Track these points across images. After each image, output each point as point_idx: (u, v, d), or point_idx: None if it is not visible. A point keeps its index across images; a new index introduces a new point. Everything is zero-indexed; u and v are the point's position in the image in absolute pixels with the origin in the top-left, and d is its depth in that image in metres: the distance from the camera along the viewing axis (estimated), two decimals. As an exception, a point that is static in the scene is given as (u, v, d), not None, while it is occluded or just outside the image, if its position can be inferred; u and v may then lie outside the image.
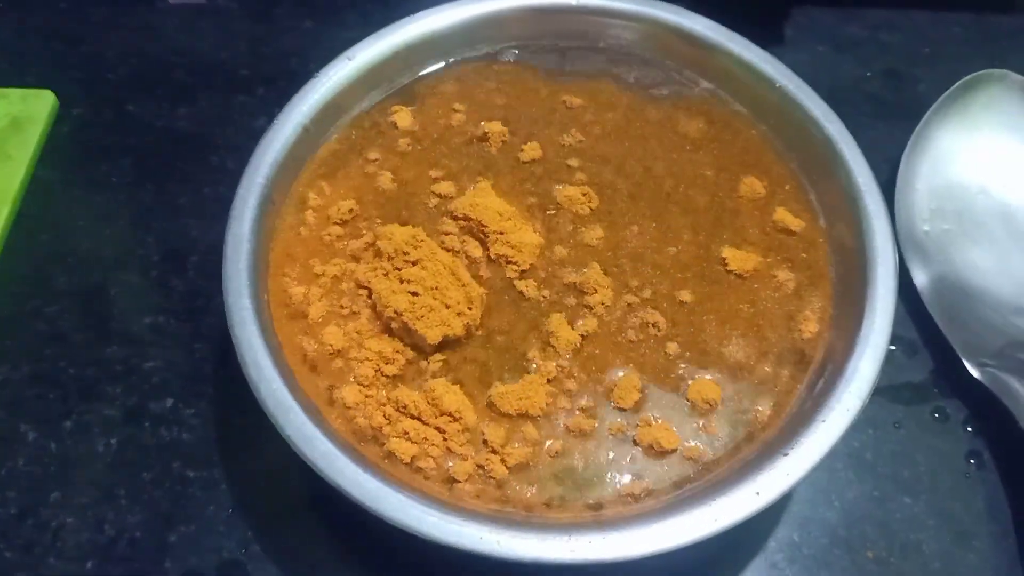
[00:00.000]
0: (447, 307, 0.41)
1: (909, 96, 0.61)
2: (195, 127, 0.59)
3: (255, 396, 0.38)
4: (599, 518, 0.38)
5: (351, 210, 0.45)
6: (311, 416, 0.38)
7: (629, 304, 0.43)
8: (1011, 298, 0.51)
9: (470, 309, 0.42)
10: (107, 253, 0.54)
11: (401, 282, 0.42)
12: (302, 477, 0.46)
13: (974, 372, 0.48)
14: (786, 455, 0.37)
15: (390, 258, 0.43)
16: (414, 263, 0.42)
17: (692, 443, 0.40)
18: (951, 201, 0.54)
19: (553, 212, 0.46)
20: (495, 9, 0.51)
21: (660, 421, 0.40)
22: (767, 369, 0.41)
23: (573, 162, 0.48)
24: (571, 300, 0.43)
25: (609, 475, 0.39)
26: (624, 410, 0.40)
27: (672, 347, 0.42)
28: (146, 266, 0.53)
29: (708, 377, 0.41)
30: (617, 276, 0.44)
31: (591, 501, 0.38)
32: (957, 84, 0.56)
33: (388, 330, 0.42)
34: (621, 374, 0.41)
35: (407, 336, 0.41)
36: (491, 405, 0.40)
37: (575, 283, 0.44)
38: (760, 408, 0.40)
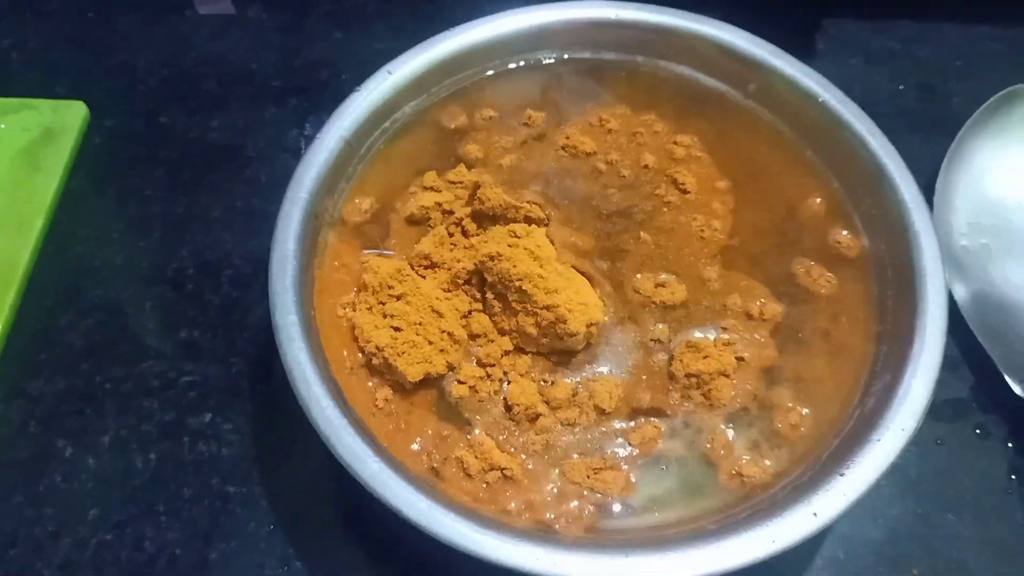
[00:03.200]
0: (430, 343, 0.41)
1: (943, 110, 0.60)
2: (227, 138, 0.58)
3: (306, 416, 0.38)
4: (658, 538, 0.37)
5: (438, 202, 0.46)
6: (363, 436, 0.38)
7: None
8: (1052, 314, 0.51)
9: (455, 345, 0.42)
10: (141, 266, 0.53)
11: (384, 316, 0.42)
12: (344, 492, 0.45)
13: (1016, 388, 0.48)
14: (842, 475, 0.37)
15: (375, 292, 0.42)
16: (398, 297, 0.42)
17: (752, 463, 0.39)
18: (989, 216, 0.54)
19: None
20: (535, 23, 0.50)
21: (739, 447, 0.40)
22: (834, 390, 0.41)
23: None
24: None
25: (679, 500, 0.39)
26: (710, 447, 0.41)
27: (771, 369, 0.42)
28: (181, 279, 0.53)
29: (792, 404, 0.41)
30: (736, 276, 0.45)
31: (652, 523, 0.38)
32: (993, 98, 0.56)
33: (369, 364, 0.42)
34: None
35: (388, 372, 0.41)
36: (562, 473, 0.40)
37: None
38: (821, 428, 0.40)
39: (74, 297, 0.52)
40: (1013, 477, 0.47)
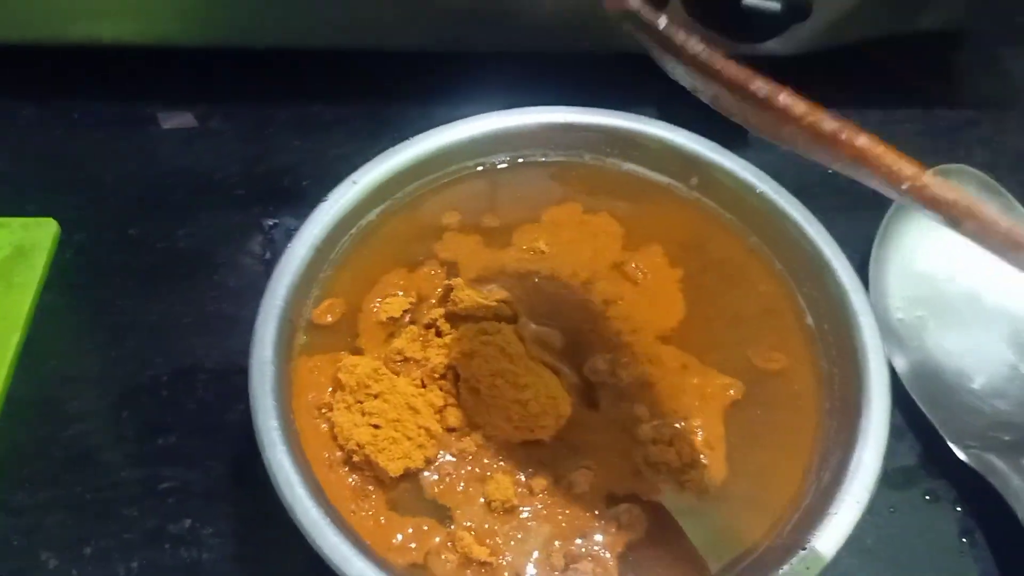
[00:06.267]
0: (408, 439, 0.43)
1: (873, 189, 0.64)
2: (196, 246, 0.60)
3: (291, 517, 0.39)
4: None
5: (406, 308, 0.48)
6: (347, 534, 0.39)
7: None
8: (987, 381, 0.54)
9: (431, 440, 0.43)
10: (117, 375, 0.54)
11: (363, 415, 0.44)
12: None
13: (960, 454, 0.50)
14: (804, 549, 0.39)
15: (352, 391, 0.44)
16: (375, 396, 0.44)
17: (727, 540, 0.42)
18: (922, 289, 0.57)
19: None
20: (488, 129, 0.53)
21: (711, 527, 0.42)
22: (793, 467, 0.44)
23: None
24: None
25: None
26: None
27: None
28: (156, 386, 0.54)
29: (755, 482, 0.44)
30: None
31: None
32: (917, 180, 0.60)
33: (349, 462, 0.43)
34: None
35: (368, 468, 0.43)
36: (541, 564, 0.41)
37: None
38: (782, 505, 0.43)
39: (53, 409, 0.53)
40: (964, 540, 0.50)
